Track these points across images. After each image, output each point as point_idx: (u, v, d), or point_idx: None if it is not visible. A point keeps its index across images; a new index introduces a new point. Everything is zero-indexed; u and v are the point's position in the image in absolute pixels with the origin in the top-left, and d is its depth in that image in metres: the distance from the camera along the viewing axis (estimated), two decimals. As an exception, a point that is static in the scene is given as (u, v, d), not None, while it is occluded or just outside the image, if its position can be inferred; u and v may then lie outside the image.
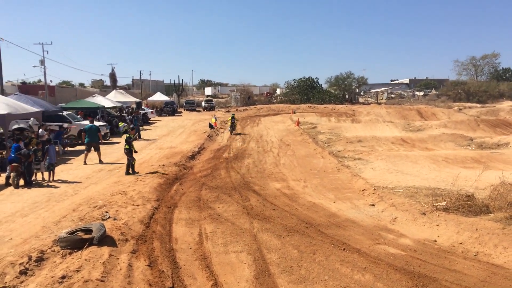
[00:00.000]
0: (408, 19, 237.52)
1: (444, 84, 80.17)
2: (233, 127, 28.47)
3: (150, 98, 58.17)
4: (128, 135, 14.29)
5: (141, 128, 27.31)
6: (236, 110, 54.31)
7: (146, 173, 13.78)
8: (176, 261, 6.94)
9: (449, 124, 30.47)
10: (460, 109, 48.97)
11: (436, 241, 7.95)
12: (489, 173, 12.58)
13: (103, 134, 20.23)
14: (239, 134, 28.68)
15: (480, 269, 6.63)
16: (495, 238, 7.47)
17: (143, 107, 43.19)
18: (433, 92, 76.05)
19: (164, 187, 12.28)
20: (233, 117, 29.07)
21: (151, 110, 42.09)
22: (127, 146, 13.96)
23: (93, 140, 16.72)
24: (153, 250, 7.21)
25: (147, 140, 24.24)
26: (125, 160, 14.31)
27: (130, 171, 13.92)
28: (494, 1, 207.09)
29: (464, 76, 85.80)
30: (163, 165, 15.28)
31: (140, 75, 72.82)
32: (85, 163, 16.23)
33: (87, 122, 22.96)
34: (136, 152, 14.30)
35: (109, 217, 8.46)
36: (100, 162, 16.51)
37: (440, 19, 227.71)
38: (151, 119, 39.32)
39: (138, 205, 9.69)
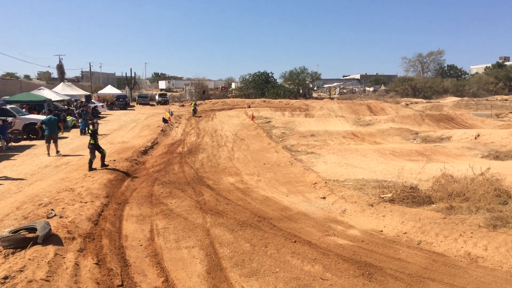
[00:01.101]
0: (359, 16, 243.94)
1: (392, 80, 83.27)
2: (195, 111, 38.24)
3: (100, 91, 56.22)
4: (91, 128, 13.88)
5: (90, 122, 26.42)
6: (191, 104, 53.73)
7: (96, 169, 13.36)
8: (125, 259, 6.82)
9: (397, 119, 31.65)
10: (407, 104, 51.07)
11: (382, 231, 8.28)
12: (432, 165, 13.22)
13: None
14: (200, 116, 36.80)
15: (422, 257, 6.98)
16: (437, 227, 7.88)
17: (93, 100, 41.82)
18: (382, 87, 78.92)
19: (114, 183, 11.99)
20: (195, 103, 41.12)
21: (101, 104, 40.78)
22: (92, 141, 13.50)
23: (53, 131, 16.91)
24: (101, 248, 7.04)
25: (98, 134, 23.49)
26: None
27: (89, 167, 13.45)
28: (440, 3, 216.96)
29: (412, 72, 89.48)
30: (114, 160, 14.90)
31: (90, 67, 69.75)
32: (48, 154, 16.42)
33: (33, 116, 22.19)
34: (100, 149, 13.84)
35: (55, 215, 8.16)
36: (58, 152, 16.73)
37: (390, 16, 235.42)
38: (102, 113, 38.10)
39: (86, 202, 9.41)
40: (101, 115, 36.66)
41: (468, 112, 39.49)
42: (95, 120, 15.42)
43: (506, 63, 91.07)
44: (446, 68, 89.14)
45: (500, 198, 8.94)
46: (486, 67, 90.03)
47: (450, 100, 60.26)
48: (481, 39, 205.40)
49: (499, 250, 6.77)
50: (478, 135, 21.55)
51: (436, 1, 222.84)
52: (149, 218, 9.09)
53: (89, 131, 13.98)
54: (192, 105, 40.86)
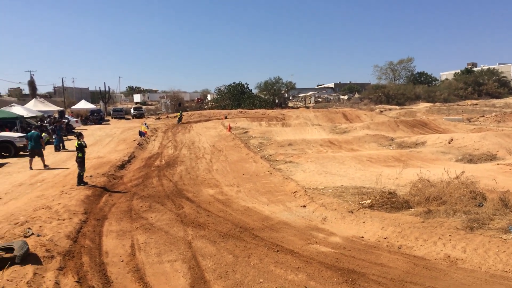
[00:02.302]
0: (330, 25, 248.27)
1: (366, 88, 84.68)
2: (180, 119, 45.46)
3: (74, 107, 55.29)
4: (78, 142, 13.50)
5: (64, 138, 25.94)
6: (167, 117, 53.43)
7: (72, 185, 13.09)
8: (107, 275, 6.68)
9: (372, 126, 32.18)
10: (381, 111, 52.05)
11: (363, 237, 8.38)
12: (409, 170, 13.47)
13: (22, 145, 20.92)
14: (184, 123, 43.08)
15: (403, 261, 7.08)
16: (416, 231, 8.03)
17: (66, 116, 41.12)
18: (356, 95, 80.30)
19: (92, 199, 11.77)
20: (181, 112, 49.22)
21: (75, 119, 40.09)
22: (80, 154, 13.27)
23: (37, 146, 17.18)
24: (82, 266, 6.89)
25: (72, 150, 23.04)
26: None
27: (78, 181, 13.25)
28: (409, 12, 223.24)
29: (384, 80, 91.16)
30: (91, 176, 14.62)
31: (62, 83, 68.51)
32: (31, 168, 16.70)
33: (5, 134, 21.67)
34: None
35: (32, 234, 7.95)
36: (46, 167, 16.91)
37: (361, 25, 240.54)
38: (76, 128, 37.43)
39: (64, 220, 9.21)
40: (76, 131, 35.98)
41: (441, 117, 40.56)
42: (81, 136, 14.57)
43: (474, 69, 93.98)
44: (417, 75, 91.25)
45: (476, 200, 9.17)
46: (455, 73, 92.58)
47: (422, 106, 61.66)
48: (449, 46, 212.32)
49: (477, 251, 6.95)
50: (452, 140, 22.10)
51: (405, 10, 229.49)
52: (129, 233, 8.95)
53: (76, 144, 13.56)
54: (178, 114, 47.81)
